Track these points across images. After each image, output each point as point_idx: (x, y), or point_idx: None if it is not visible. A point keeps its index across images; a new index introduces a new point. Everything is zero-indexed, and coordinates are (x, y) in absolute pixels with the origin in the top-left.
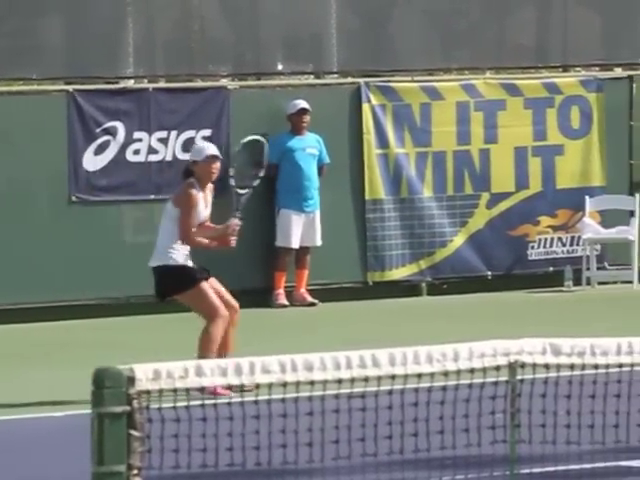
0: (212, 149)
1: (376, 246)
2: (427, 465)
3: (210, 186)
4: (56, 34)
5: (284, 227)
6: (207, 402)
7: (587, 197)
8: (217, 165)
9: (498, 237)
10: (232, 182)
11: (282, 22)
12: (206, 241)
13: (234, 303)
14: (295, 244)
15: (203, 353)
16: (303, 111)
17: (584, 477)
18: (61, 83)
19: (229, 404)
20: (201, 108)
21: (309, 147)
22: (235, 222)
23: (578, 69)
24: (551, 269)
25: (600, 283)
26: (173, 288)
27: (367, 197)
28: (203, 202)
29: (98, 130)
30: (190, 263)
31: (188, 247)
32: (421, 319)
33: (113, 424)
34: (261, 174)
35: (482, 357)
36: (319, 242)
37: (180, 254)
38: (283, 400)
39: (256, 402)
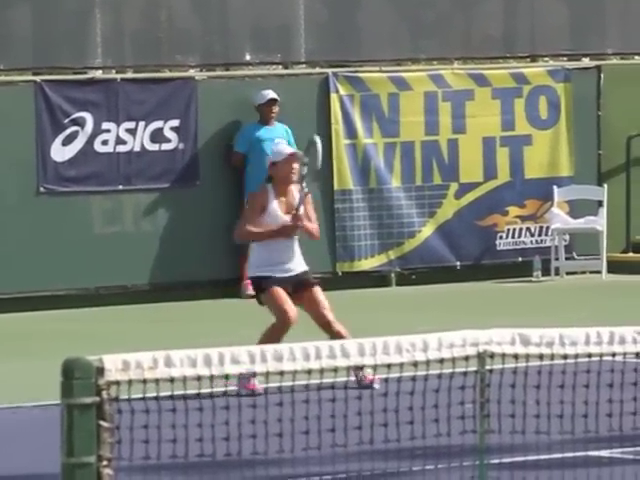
0: (290, 148)
1: (345, 236)
2: (397, 455)
3: (295, 187)
4: (24, 24)
5: None
6: (176, 393)
7: (555, 187)
8: (296, 165)
9: (467, 227)
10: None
11: (250, 12)
12: (258, 232)
13: (325, 314)
14: None
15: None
16: (272, 101)
17: (553, 467)
18: (29, 74)
19: (198, 395)
20: (169, 99)
21: (277, 137)
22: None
23: (546, 59)
24: (520, 259)
25: (569, 273)
26: (257, 297)
27: (336, 187)
28: (281, 206)
29: (66, 121)
30: (278, 275)
31: (271, 255)
32: (390, 309)
33: (83, 415)
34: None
35: (451, 347)
36: None
37: (259, 263)
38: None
39: (225, 393)
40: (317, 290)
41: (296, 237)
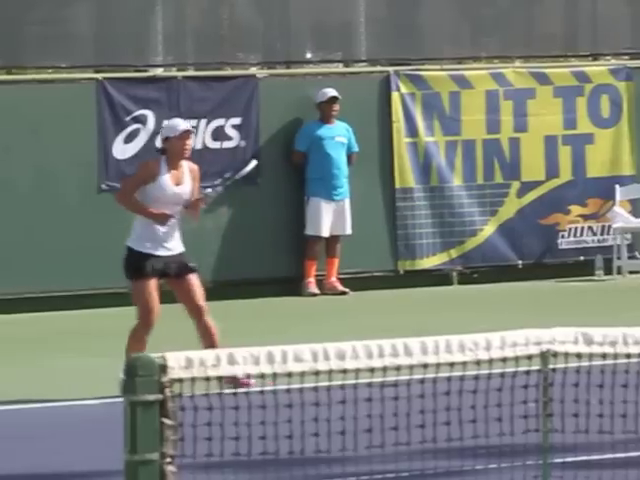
0: (185, 124)
1: (407, 235)
2: (460, 454)
3: (190, 166)
4: (86, 22)
5: (314, 215)
6: (239, 390)
7: (617, 186)
8: (190, 141)
9: (528, 226)
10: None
11: (311, 10)
12: (134, 206)
13: (201, 304)
14: (325, 232)
15: (128, 350)
16: (333, 100)
17: (617, 466)
18: (91, 71)
19: (262, 392)
20: (231, 97)
21: (338, 136)
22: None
23: (608, 58)
24: (582, 258)
25: (631, 272)
26: (125, 271)
27: (397, 185)
28: (171, 179)
29: (128, 118)
30: (156, 253)
31: (155, 232)
32: (452, 308)
33: (146, 412)
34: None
35: (514, 346)
36: (349, 231)
37: (141, 237)
38: (315, 389)
39: (288, 391)
40: (194, 277)
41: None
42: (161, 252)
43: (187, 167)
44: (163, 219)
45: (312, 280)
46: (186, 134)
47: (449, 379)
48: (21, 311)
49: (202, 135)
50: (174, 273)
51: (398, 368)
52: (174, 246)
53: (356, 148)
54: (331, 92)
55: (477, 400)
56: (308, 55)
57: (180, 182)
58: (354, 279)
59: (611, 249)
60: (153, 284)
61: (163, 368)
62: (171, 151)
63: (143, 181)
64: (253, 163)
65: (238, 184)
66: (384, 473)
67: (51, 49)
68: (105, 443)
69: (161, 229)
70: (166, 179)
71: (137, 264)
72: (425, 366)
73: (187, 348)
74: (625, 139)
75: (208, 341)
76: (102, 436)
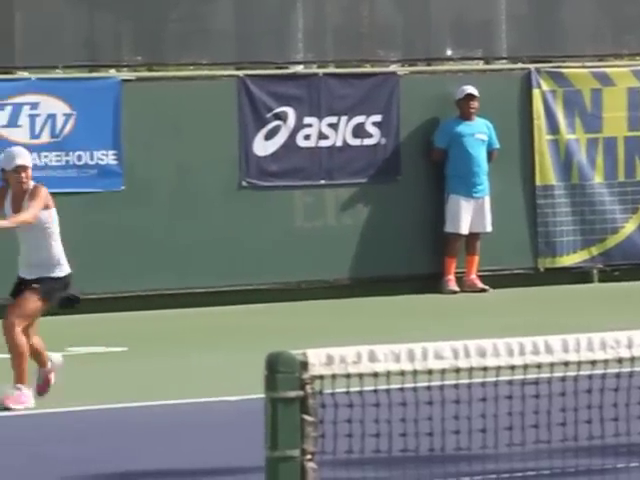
0: (22, 158)
1: (547, 232)
2: (601, 452)
3: (34, 186)
4: (226, 19)
5: (453, 213)
6: (380, 388)
7: None
8: (25, 174)
9: None
10: None
11: (452, 7)
12: None
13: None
14: (464, 230)
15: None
16: (470, 97)
17: None
18: (232, 68)
19: (402, 390)
20: (371, 94)
21: (478, 132)
22: None
23: None
24: None
25: None
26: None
27: (538, 183)
28: (12, 209)
29: (268, 115)
30: (21, 275)
31: (23, 254)
32: (593, 306)
33: (286, 409)
34: None
35: None
36: (489, 228)
37: (20, 261)
38: (456, 386)
39: (429, 388)
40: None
41: (37, 240)
42: (24, 275)
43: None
44: None
45: (452, 277)
46: (21, 169)
47: (590, 377)
48: (163, 307)
49: (342, 132)
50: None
51: (539, 366)
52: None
53: (497, 145)
54: (468, 89)
55: (619, 398)
56: (448, 52)
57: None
58: (494, 276)
59: None
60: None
61: (304, 365)
62: (9, 182)
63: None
64: None
65: (378, 181)
66: (524, 471)
67: (192, 46)
68: (245, 440)
69: (26, 252)
70: (7, 209)
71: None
72: (566, 364)
73: (327, 345)
74: None
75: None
76: (244, 432)
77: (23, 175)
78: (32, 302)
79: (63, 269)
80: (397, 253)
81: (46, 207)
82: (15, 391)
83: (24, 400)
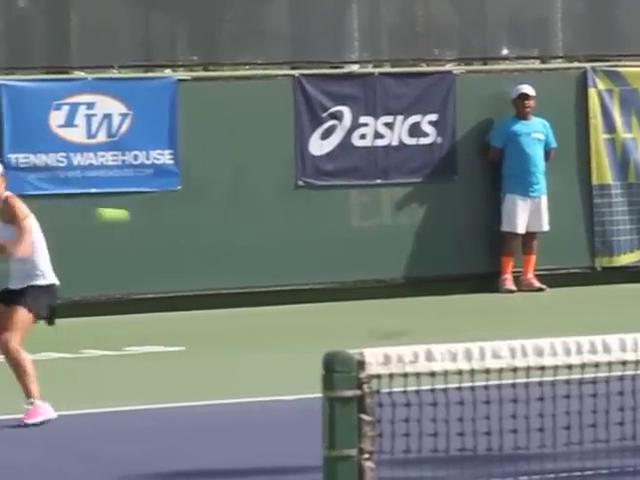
0: None
1: (604, 231)
2: None
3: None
4: (281, 19)
5: (510, 212)
6: (437, 387)
7: None
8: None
9: None
10: None
11: (507, 6)
12: None
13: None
14: (521, 229)
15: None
16: (525, 96)
17: None
18: (287, 68)
19: (459, 389)
20: (427, 93)
21: (534, 132)
22: None
23: None
24: None
25: None
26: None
27: (594, 182)
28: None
29: (324, 115)
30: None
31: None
32: None
33: (344, 408)
34: None
35: None
36: (546, 227)
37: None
38: (513, 385)
39: (486, 387)
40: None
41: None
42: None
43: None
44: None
45: (509, 277)
46: None
47: None
48: (220, 307)
49: (398, 131)
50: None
51: (596, 365)
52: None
53: (554, 144)
54: (523, 88)
55: None
56: (504, 51)
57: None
58: (551, 276)
59: None
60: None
61: (361, 364)
62: None
63: None
64: None
65: (434, 181)
66: (583, 470)
67: (248, 45)
68: (302, 439)
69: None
70: None
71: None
72: (624, 363)
73: (384, 345)
74: None
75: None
76: (299, 432)
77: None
78: (20, 314)
79: (48, 278)
80: (453, 252)
81: (25, 217)
82: (28, 406)
83: (41, 413)
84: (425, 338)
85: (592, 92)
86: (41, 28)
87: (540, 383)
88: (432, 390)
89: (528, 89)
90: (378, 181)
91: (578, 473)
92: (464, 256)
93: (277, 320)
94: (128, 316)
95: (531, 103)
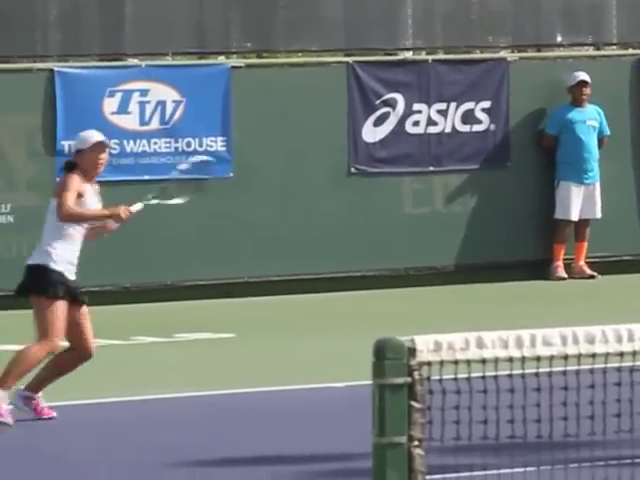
0: (99, 136)
1: None
2: None
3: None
4: (336, 6)
5: (564, 199)
6: (487, 374)
7: None
8: (105, 155)
9: None
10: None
11: None
12: (89, 212)
13: (91, 345)
14: (574, 216)
15: (11, 367)
16: (583, 83)
17: None
18: (341, 55)
19: (510, 376)
20: (480, 80)
21: (589, 119)
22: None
23: None
24: None
25: None
26: (35, 286)
27: None
28: (92, 194)
29: (377, 102)
30: (68, 276)
31: (71, 255)
32: None
33: (394, 395)
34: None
35: None
36: (599, 214)
37: (61, 258)
38: (564, 373)
39: (537, 374)
40: (86, 312)
41: None
42: (71, 277)
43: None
44: (124, 215)
45: (560, 264)
46: (99, 146)
47: None
48: (273, 294)
49: (452, 118)
50: (71, 300)
51: None
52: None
53: (608, 131)
54: (581, 75)
55: None
56: (558, 38)
57: (98, 200)
58: (602, 263)
59: None
60: (63, 307)
61: (412, 351)
62: (84, 165)
63: (79, 194)
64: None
65: (487, 168)
66: (633, 458)
67: (301, 33)
68: (353, 426)
69: (75, 252)
70: (90, 196)
71: (57, 283)
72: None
73: (435, 332)
74: None
75: (53, 373)
76: (351, 419)
77: (102, 155)
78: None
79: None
80: (505, 239)
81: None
82: None
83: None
84: (476, 325)
85: None
86: (95, 15)
87: (591, 371)
88: (483, 377)
89: (585, 76)
90: (431, 168)
91: (629, 460)
92: (516, 243)
93: (329, 307)
94: (178, 303)
95: (588, 90)
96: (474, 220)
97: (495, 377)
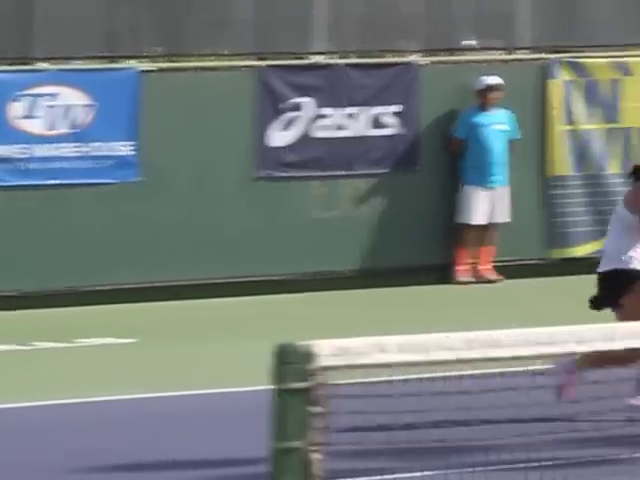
0: None
1: (560, 223)
2: None
3: None
4: (247, 9)
5: (466, 203)
6: (388, 379)
7: None
8: None
9: None
10: None
11: None
12: None
13: None
14: (477, 220)
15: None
16: (490, 87)
17: None
18: (252, 58)
19: (406, 381)
20: (391, 84)
21: (497, 123)
22: None
23: None
24: None
25: None
26: (619, 288)
27: (552, 174)
28: None
29: (286, 106)
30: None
31: None
32: None
33: (293, 400)
34: None
35: None
36: (508, 218)
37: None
38: (461, 377)
39: (432, 379)
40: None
41: None
42: None
43: None
44: None
45: (462, 267)
46: None
47: None
48: (176, 298)
49: (362, 122)
50: None
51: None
52: None
53: (518, 135)
54: (488, 80)
55: None
56: (469, 42)
57: None
58: (507, 267)
59: None
60: None
61: (311, 356)
62: None
63: None
64: None
65: (397, 171)
66: (527, 462)
67: (213, 36)
68: (251, 431)
69: None
70: None
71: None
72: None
73: (336, 336)
74: None
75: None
76: (248, 424)
77: None
78: None
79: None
80: (412, 243)
81: None
82: None
83: None
84: (379, 329)
85: (555, 83)
86: (4, 18)
87: (490, 375)
88: (384, 382)
89: (494, 80)
90: (340, 172)
91: (522, 465)
92: (423, 247)
93: (232, 312)
94: (78, 308)
95: (496, 94)
96: (382, 224)
97: (395, 382)
